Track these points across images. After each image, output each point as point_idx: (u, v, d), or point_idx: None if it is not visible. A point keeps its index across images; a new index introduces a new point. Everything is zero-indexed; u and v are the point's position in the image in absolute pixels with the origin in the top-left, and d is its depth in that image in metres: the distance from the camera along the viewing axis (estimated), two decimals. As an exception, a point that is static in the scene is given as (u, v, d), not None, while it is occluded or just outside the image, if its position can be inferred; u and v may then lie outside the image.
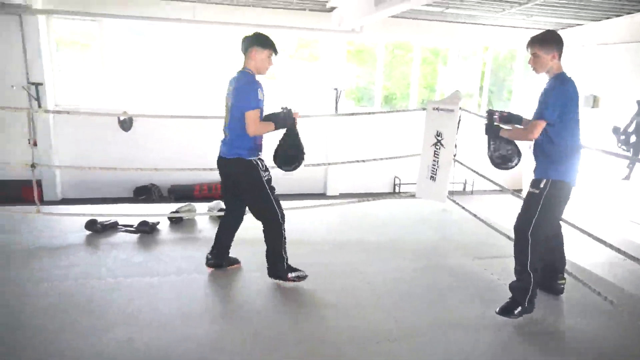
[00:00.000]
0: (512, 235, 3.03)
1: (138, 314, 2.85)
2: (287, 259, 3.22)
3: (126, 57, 9.14)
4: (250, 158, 3.10)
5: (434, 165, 4.53)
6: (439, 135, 4.45)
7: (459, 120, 4.24)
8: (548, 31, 2.91)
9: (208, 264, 3.46)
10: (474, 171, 4.79)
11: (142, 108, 8.75)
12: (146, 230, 4.14)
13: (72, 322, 2.73)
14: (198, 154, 8.35)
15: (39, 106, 8.58)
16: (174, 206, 4.69)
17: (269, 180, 3.20)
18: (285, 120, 3.15)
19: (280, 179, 4.73)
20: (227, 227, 3.45)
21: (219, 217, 4.57)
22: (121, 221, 4.28)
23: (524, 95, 10.68)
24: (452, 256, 4.00)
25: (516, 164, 3.18)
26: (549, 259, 3.13)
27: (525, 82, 10.82)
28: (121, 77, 8.97)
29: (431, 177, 4.60)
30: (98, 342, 2.54)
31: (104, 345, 2.52)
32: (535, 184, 2.87)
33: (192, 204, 4.72)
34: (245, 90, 2.97)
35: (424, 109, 4.61)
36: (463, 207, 4.88)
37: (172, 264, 3.58)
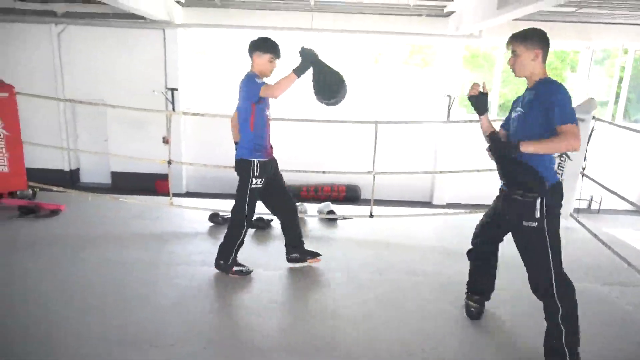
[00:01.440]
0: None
1: (247, 302, 3.07)
2: (234, 257, 3.35)
3: (246, 63, 9.87)
4: (250, 159, 3.20)
5: (557, 178, 4.18)
6: (565, 147, 4.09)
7: (592, 130, 3.86)
8: (532, 28, 2.44)
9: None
10: (605, 187, 4.33)
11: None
12: (261, 225, 4.43)
13: (179, 308, 3.03)
14: (306, 157, 8.71)
15: (173, 109, 9.64)
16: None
17: (255, 188, 3.25)
18: (305, 60, 3.00)
19: (385, 186, 4.77)
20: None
21: (329, 218, 4.77)
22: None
23: (672, 104, 9.34)
24: (577, 279, 3.64)
25: None
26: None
27: (673, 89, 9.47)
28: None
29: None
30: (202, 330, 2.79)
31: (209, 332, 2.75)
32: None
33: (304, 204, 4.94)
34: (246, 88, 3.11)
35: (550, 118, 4.27)
36: (584, 226, 4.42)
37: (283, 259, 3.77)
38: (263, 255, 3.88)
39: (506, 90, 10.61)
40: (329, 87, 3.04)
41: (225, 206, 4.95)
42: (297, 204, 4.89)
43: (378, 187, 4.83)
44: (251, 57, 3.20)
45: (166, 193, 5.01)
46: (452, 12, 8.59)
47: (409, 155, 9.41)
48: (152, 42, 9.52)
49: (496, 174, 2.65)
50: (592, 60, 9.73)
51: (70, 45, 9.69)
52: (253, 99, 3.09)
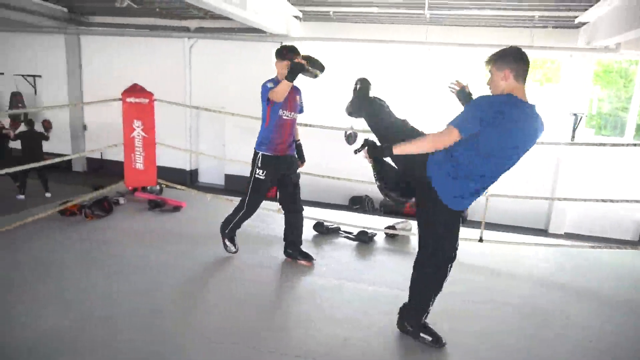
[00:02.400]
0: None
1: (354, 315, 3.04)
2: (229, 233, 3.79)
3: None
4: (257, 150, 3.63)
5: None
6: None
7: None
8: (507, 47, 2.41)
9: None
10: None
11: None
12: (364, 240, 4.41)
13: (297, 312, 3.09)
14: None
15: (285, 118, 10.04)
16: (390, 220, 4.86)
17: (258, 179, 3.64)
18: (293, 71, 3.29)
19: (496, 208, 4.45)
20: (287, 222, 3.88)
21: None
22: (342, 227, 4.66)
23: None
24: None
25: None
26: None
27: None
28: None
29: None
30: (320, 336, 2.80)
31: (318, 340, 2.76)
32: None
33: (409, 221, 4.82)
34: (261, 92, 3.53)
35: None
36: None
37: (386, 276, 3.70)
38: (368, 270, 3.84)
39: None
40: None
41: (330, 216, 5.04)
42: (402, 221, 4.82)
43: (488, 210, 4.52)
44: (277, 62, 3.57)
45: (273, 198, 5.22)
46: (583, 24, 7.83)
47: (524, 177, 8.73)
48: (269, 54, 10.05)
49: (629, 206, 2.37)
50: None
51: (199, 57, 10.66)
52: (266, 102, 3.49)
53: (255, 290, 3.36)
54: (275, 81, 3.53)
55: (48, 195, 8.59)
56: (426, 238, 2.65)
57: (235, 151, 10.57)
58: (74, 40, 11.54)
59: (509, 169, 2.50)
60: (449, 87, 2.93)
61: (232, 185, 10.81)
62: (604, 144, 7.69)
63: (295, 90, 3.66)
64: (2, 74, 12.19)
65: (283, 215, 3.93)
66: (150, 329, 2.75)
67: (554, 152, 9.04)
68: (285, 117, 3.57)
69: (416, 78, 9.53)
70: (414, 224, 4.86)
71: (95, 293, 3.13)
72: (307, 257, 3.84)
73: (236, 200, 5.39)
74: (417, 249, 2.71)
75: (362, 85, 2.88)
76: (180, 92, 10.58)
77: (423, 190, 2.55)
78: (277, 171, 3.66)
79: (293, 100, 3.62)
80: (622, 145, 8.25)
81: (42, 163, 5.56)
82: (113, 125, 11.01)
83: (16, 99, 11.81)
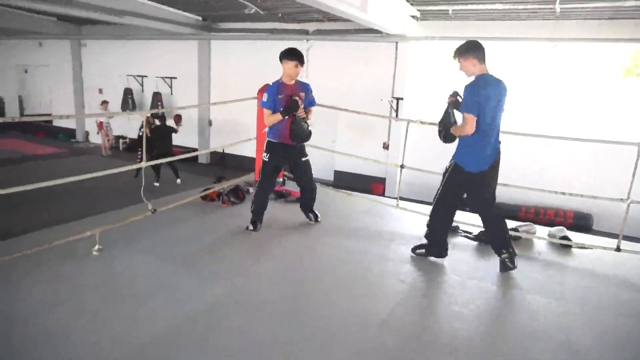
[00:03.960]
0: None
1: (478, 312, 3.06)
2: (253, 218, 4.36)
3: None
4: (268, 138, 4.24)
5: None
6: None
7: None
8: (467, 41, 3.42)
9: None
10: None
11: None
12: (485, 240, 4.32)
13: (422, 304, 3.18)
14: (527, 173, 8.06)
15: (397, 116, 10.12)
16: (513, 223, 4.70)
17: (266, 162, 4.24)
18: (287, 109, 3.99)
19: (634, 219, 4.07)
20: (303, 196, 4.67)
21: (562, 244, 4.36)
22: (462, 227, 4.62)
23: None
24: None
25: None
26: (493, 240, 3.73)
27: None
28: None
29: None
30: (447, 329, 2.88)
31: (442, 332, 2.83)
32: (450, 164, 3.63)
33: (534, 225, 4.63)
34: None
35: None
36: None
37: (509, 277, 3.63)
38: (491, 269, 3.79)
39: None
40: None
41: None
42: (526, 223, 4.64)
43: (620, 219, 4.16)
44: (281, 62, 4.04)
45: (380, 194, 5.35)
46: None
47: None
48: (384, 54, 10.20)
49: None
50: None
51: (316, 57, 11.14)
52: (261, 104, 4.22)
53: (381, 280, 3.52)
54: (275, 88, 4.04)
55: (179, 181, 9.71)
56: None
57: (344, 149, 10.87)
58: (205, 44, 12.78)
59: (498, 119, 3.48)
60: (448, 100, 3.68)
61: (341, 181, 11.14)
62: None
63: (299, 88, 4.13)
64: (146, 76, 13.93)
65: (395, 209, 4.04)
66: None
67: None
68: (287, 116, 4.04)
69: (543, 76, 8.97)
70: (538, 228, 4.67)
71: (262, 273, 3.54)
72: (316, 217, 4.62)
73: (355, 195, 5.68)
74: (542, 254, 3.87)
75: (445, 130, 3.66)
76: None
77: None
78: (280, 156, 4.23)
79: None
80: None
81: (180, 157, 6.38)
82: (235, 121, 12.05)
83: (157, 98, 13.43)
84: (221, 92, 12.46)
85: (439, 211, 3.70)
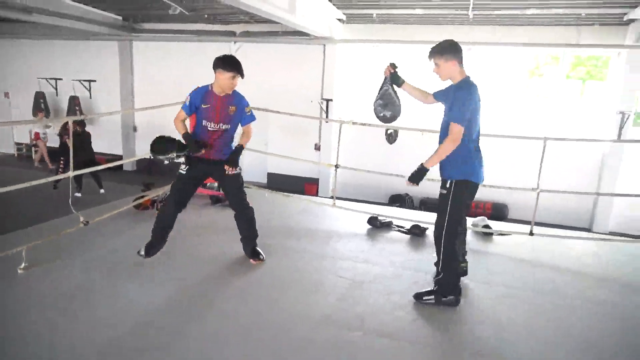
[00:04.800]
0: None
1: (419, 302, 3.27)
2: (153, 241, 3.63)
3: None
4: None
5: None
6: None
7: None
8: (446, 41, 3.07)
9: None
10: None
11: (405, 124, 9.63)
12: (417, 233, 4.62)
13: (363, 297, 3.34)
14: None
15: (327, 117, 10.34)
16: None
17: (180, 173, 3.61)
18: (194, 147, 3.49)
19: (541, 207, 4.58)
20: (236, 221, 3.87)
21: (484, 232, 4.75)
22: (395, 222, 4.88)
23: None
24: None
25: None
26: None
27: None
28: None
29: None
30: (388, 318, 3.05)
31: (385, 321, 3.01)
32: (443, 184, 3.11)
33: (458, 216, 4.98)
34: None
35: None
36: None
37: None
38: (423, 260, 4.05)
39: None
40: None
41: (383, 211, 5.27)
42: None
43: (532, 207, 4.63)
44: (214, 71, 3.45)
45: (314, 195, 5.50)
46: (632, 20, 7.74)
47: (567, 176, 8.69)
48: (312, 57, 10.39)
49: None
50: None
51: (244, 59, 11.01)
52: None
53: (322, 277, 3.63)
54: (201, 96, 3.48)
55: (102, 191, 9.18)
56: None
57: (276, 150, 10.91)
58: (126, 46, 12.20)
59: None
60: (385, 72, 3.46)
61: (274, 183, 11.17)
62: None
63: (228, 101, 3.53)
64: (61, 79, 13.00)
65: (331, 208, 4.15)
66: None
67: (599, 151, 8.96)
68: (210, 129, 3.52)
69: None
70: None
71: (183, 275, 3.48)
72: (257, 256, 3.83)
73: (293, 197, 5.76)
74: (468, 243, 3.41)
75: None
76: (225, 94, 11.05)
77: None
78: (199, 171, 3.65)
79: (223, 112, 3.51)
80: None
81: (105, 166, 6.04)
82: (163, 126, 11.63)
83: (74, 102, 12.58)
84: (146, 96, 11.97)
85: (452, 242, 3.11)
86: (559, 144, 8.28)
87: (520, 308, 3.27)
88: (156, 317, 2.94)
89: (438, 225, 3.16)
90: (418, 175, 3.07)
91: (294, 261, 3.93)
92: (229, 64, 3.44)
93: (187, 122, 3.64)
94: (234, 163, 3.59)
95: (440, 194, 3.15)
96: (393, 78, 3.42)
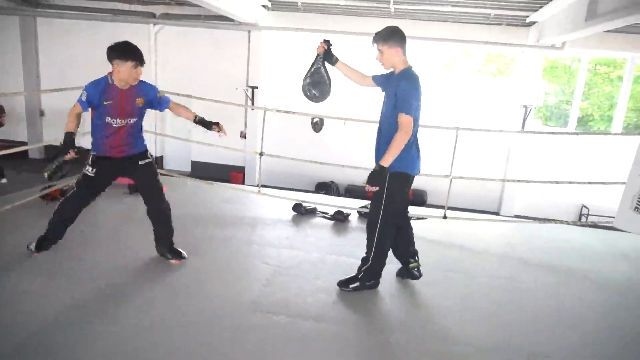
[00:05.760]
0: None
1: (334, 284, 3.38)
2: (49, 234, 3.34)
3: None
4: (90, 149, 3.24)
5: (641, 195, 4.16)
6: (653, 164, 4.06)
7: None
8: (390, 27, 2.98)
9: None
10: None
11: (331, 113, 9.81)
12: (340, 219, 4.75)
13: (287, 282, 3.39)
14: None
15: (252, 105, 10.23)
16: (363, 202, 5.23)
17: (85, 174, 3.25)
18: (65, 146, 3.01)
19: (453, 192, 4.94)
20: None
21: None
22: (319, 208, 4.98)
23: None
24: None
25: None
26: (401, 246, 3.35)
27: None
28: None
29: (636, 208, 4.23)
30: (311, 300, 3.13)
31: (309, 305, 3.09)
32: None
33: (380, 202, 5.20)
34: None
35: (639, 134, 4.25)
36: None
37: (363, 250, 4.05)
38: (346, 244, 4.18)
39: (585, 103, 10.25)
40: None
41: (308, 198, 5.35)
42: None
43: (446, 193, 4.97)
44: (111, 63, 3.04)
45: (239, 183, 5.47)
46: (534, 23, 8.48)
47: (478, 164, 9.38)
48: (237, 43, 10.17)
49: (573, 190, 2.87)
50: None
51: (165, 43, 10.58)
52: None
53: (247, 263, 3.63)
54: (101, 89, 3.06)
55: (4, 181, 8.37)
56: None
57: (200, 138, 10.60)
58: (30, 22, 11.12)
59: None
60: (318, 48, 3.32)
61: (199, 171, 10.87)
62: (553, 133, 8.33)
63: (135, 93, 3.17)
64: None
65: (257, 196, 4.16)
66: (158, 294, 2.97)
67: (506, 141, 9.75)
68: (116, 125, 3.15)
69: (379, 71, 9.93)
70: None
71: (102, 268, 3.30)
72: (178, 255, 3.54)
73: (217, 184, 5.65)
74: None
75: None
76: (145, 78, 10.45)
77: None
78: (111, 172, 3.34)
79: (128, 106, 3.16)
80: (577, 134, 9.04)
81: (5, 152, 5.49)
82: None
83: (-32, 83, 11.26)
84: (55, 78, 10.99)
85: (385, 233, 3.11)
86: (471, 134, 8.91)
87: (433, 287, 3.50)
88: (68, 315, 2.77)
89: (372, 215, 3.13)
90: (378, 176, 2.91)
91: (221, 250, 3.89)
92: (128, 52, 3.00)
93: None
94: (209, 126, 3.34)
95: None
96: (326, 55, 3.28)
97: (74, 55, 10.86)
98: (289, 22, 9.73)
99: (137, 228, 4.14)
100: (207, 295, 3.10)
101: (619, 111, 9.45)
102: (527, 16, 8.09)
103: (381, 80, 3.22)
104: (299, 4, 8.89)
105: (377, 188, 2.94)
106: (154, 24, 10.25)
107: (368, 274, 3.23)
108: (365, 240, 3.25)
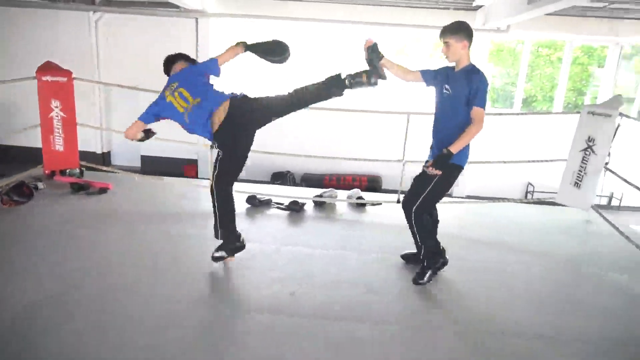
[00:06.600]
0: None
1: (297, 276, 3.35)
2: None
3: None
4: None
5: (580, 171, 4.38)
6: (590, 141, 4.28)
7: (618, 126, 4.03)
8: (459, 21, 3.01)
9: None
10: (629, 182, 4.48)
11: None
12: (296, 209, 4.71)
13: (242, 275, 3.34)
14: (332, 147, 8.95)
15: (203, 96, 9.91)
16: (318, 191, 5.21)
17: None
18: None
19: (407, 178, 5.01)
20: None
21: (357, 204, 5.02)
22: (274, 199, 4.92)
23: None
24: (594, 270, 3.86)
25: None
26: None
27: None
28: (270, 71, 9.94)
29: (576, 183, 4.46)
30: (267, 292, 3.09)
31: (263, 297, 3.06)
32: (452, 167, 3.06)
33: (334, 190, 5.20)
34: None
35: (577, 112, 4.46)
36: (607, 220, 4.59)
37: (319, 239, 4.05)
38: (301, 235, 4.16)
39: (529, 85, 10.66)
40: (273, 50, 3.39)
41: (262, 190, 5.27)
42: (328, 189, 5.20)
43: (403, 178, 5.04)
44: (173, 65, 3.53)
45: (193, 177, 5.32)
46: (480, 6, 8.67)
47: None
48: (184, 31, 9.80)
49: (519, 168, 3.02)
50: (620, 56, 9.73)
51: (108, 32, 10.04)
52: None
53: (201, 259, 3.53)
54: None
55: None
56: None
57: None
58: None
59: None
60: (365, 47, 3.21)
61: (150, 166, 10.50)
62: (500, 114, 8.60)
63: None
64: None
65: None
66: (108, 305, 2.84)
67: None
68: None
69: (331, 56, 9.87)
70: (339, 193, 5.27)
71: (51, 274, 3.11)
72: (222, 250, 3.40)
73: (167, 179, 5.45)
74: (343, 215, 3.44)
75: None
76: (86, 70, 9.90)
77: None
78: None
79: None
80: (521, 114, 9.37)
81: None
82: (13, 105, 10.13)
83: None
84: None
85: (422, 215, 3.22)
86: (423, 118, 9.05)
87: (386, 270, 3.55)
88: (23, 316, 2.60)
89: (412, 200, 3.20)
90: (445, 161, 2.99)
91: (174, 246, 3.77)
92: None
93: None
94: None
95: (425, 173, 3.12)
96: (374, 51, 3.16)
97: (8, 45, 10.14)
98: (238, 9, 9.47)
99: (85, 229, 3.95)
100: (156, 293, 3.00)
101: (560, 91, 9.90)
102: (473, 0, 8.25)
103: (431, 75, 3.23)
104: (247, -11, 8.66)
105: (440, 172, 3.01)
106: (94, 12, 9.69)
107: (430, 258, 3.30)
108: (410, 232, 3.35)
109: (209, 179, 5.13)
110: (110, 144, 11.18)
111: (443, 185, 3.12)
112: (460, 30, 2.95)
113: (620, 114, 4.06)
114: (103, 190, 4.96)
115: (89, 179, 5.26)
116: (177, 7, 8.85)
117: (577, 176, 4.42)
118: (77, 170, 5.38)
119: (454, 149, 2.96)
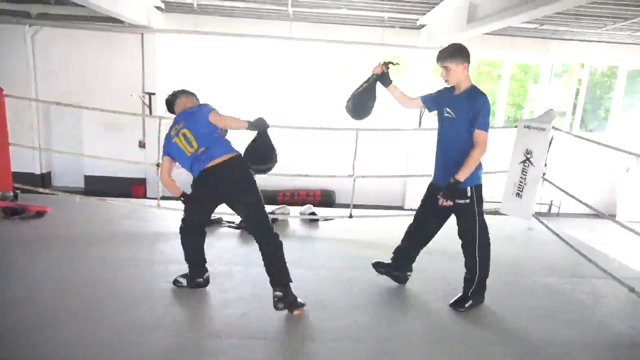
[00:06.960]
0: (601, 259, 3.05)
1: (249, 296, 3.27)
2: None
3: (223, 70, 10.03)
4: None
5: (521, 182, 4.59)
6: (528, 153, 4.49)
7: (551, 139, 4.27)
8: (456, 44, 2.98)
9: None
10: (564, 191, 4.75)
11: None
12: (247, 228, 4.62)
13: (193, 298, 3.21)
14: (285, 163, 8.91)
15: (150, 113, 9.67)
16: (270, 208, 5.14)
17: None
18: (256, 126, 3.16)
19: (360, 191, 5.09)
20: None
21: (310, 219, 5.01)
22: (225, 218, 4.81)
23: (623, 114, 10.08)
24: (537, 275, 4.03)
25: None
26: (416, 248, 3.52)
27: (625, 101, 10.22)
28: (219, 88, 9.85)
29: (517, 194, 4.66)
30: (218, 315, 2.98)
31: (223, 317, 2.96)
32: (462, 194, 3.04)
33: (286, 206, 5.16)
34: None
35: (515, 127, 4.69)
36: (547, 227, 4.83)
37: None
38: (253, 254, 4.06)
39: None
40: (264, 156, 3.33)
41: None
42: (280, 206, 5.15)
43: (354, 192, 5.09)
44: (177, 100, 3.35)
45: (142, 197, 5.13)
46: (424, 25, 9.03)
47: (381, 162, 9.77)
48: (130, 47, 9.55)
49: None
50: (552, 73, 10.41)
51: (46, 47, 9.60)
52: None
53: (149, 283, 3.37)
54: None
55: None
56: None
57: (93, 150, 9.83)
58: None
59: None
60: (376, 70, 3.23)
61: (94, 186, 10.04)
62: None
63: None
64: None
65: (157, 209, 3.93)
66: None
67: (405, 139, 10.27)
68: None
69: (281, 73, 9.91)
70: (291, 209, 5.24)
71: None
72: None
73: (110, 200, 5.21)
74: (296, 231, 3.42)
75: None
76: (22, 87, 9.38)
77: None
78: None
79: None
80: None
81: None
82: None
83: None
84: None
85: (485, 244, 3.18)
86: (373, 134, 9.25)
87: (339, 285, 3.54)
88: None
89: (469, 236, 3.17)
90: (454, 191, 2.98)
91: (122, 270, 3.58)
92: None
93: None
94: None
95: (460, 205, 3.05)
96: (382, 77, 3.18)
97: None
98: (185, 25, 9.34)
99: (16, 256, 3.68)
100: (104, 320, 2.82)
101: (500, 106, 10.43)
102: (417, 19, 8.58)
103: (432, 100, 3.21)
104: (195, 5, 8.55)
105: (452, 203, 2.98)
106: (30, 25, 9.24)
107: (481, 287, 3.24)
108: (464, 259, 3.26)
109: (156, 198, 4.99)
110: (51, 164, 10.61)
111: (479, 207, 3.12)
112: (457, 53, 2.90)
113: (554, 127, 4.30)
114: (40, 214, 4.67)
115: (25, 202, 4.94)
116: (121, 22, 8.62)
117: (518, 187, 4.62)
118: (11, 193, 5.03)
119: (461, 176, 2.94)
